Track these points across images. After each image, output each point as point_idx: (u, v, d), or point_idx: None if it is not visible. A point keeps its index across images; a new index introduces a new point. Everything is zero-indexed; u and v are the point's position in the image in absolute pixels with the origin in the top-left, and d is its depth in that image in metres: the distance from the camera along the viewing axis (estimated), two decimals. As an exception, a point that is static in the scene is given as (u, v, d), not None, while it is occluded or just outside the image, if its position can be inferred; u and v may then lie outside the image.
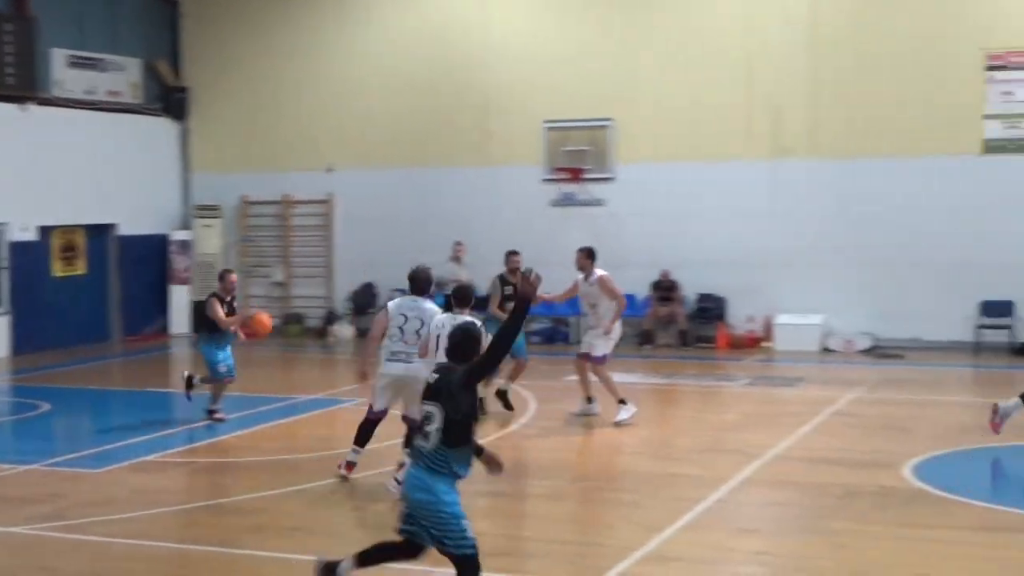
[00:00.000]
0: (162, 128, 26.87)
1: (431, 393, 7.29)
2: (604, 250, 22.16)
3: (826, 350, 22.31)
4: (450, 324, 11.66)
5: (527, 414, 15.64)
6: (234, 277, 15.85)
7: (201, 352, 15.65)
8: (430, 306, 11.87)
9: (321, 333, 25.70)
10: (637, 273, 23.17)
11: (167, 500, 11.32)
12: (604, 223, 23.77)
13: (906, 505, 10.76)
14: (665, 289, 23.48)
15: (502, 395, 15.54)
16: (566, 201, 24.58)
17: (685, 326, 23.31)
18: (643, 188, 23.86)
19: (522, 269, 15.27)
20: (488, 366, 7.43)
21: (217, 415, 15.24)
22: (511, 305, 14.93)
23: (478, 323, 8.97)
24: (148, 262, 26.17)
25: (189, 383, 15.50)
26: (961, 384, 19.46)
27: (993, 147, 22.09)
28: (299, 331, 26.07)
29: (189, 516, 10.82)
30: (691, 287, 23.51)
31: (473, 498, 11.22)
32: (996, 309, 21.95)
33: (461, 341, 7.50)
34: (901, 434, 14.25)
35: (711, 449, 13.54)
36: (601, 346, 15.07)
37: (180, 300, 26.49)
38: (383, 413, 12.01)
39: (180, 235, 26.74)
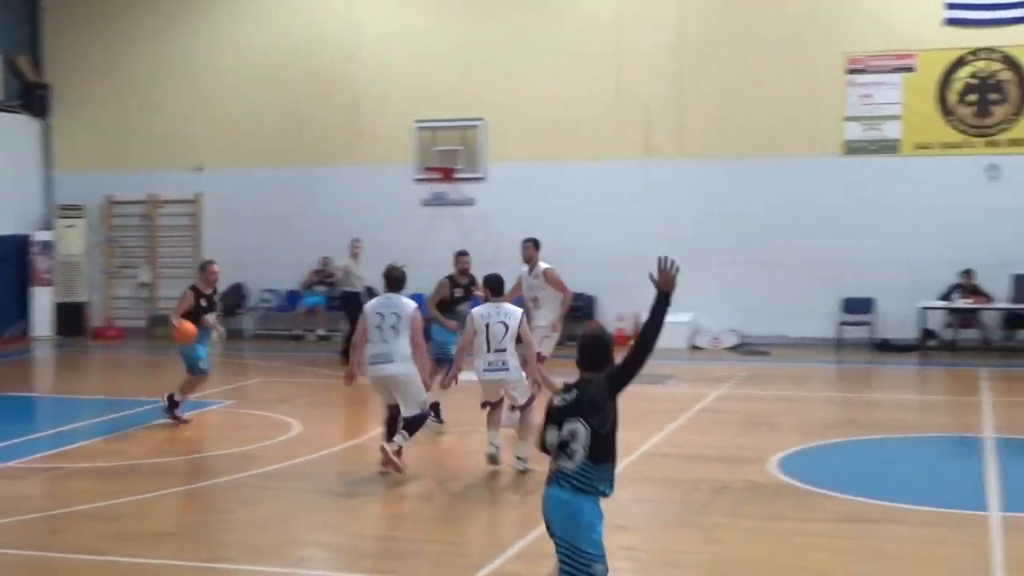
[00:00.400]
0: (23, 125, 26.22)
1: (570, 408, 6.63)
2: (475, 250, 22.16)
3: (694, 348, 22.66)
4: (495, 315, 12.06)
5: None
6: (216, 267, 15.24)
7: (184, 351, 15.15)
8: (405, 300, 12.02)
9: (189, 335, 25.28)
10: (508, 272, 23.12)
11: (30, 507, 11.02)
12: (475, 222, 23.84)
13: (773, 499, 10.96)
14: (536, 288, 23.55)
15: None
16: (437, 201, 24.58)
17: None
18: (514, 187, 23.98)
19: (470, 269, 14.96)
20: (634, 371, 6.82)
21: (181, 417, 14.85)
22: (459, 307, 14.66)
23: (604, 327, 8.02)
24: (8, 263, 25.52)
25: (171, 403, 14.96)
26: (825, 380, 19.90)
27: (854, 148, 22.65)
28: (166, 333, 25.59)
29: (54, 523, 10.54)
30: (562, 286, 23.65)
31: (340, 499, 11.21)
32: (857, 306, 22.52)
33: (593, 348, 6.97)
34: (768, 429, 14.52)
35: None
36: (547, 345, 14.83)
37: (42, 302, 25.89)
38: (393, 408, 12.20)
39: (42, 236, 26.13)
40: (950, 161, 22.29)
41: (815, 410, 16.29)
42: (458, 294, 14.88)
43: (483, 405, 12.35)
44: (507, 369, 12.02)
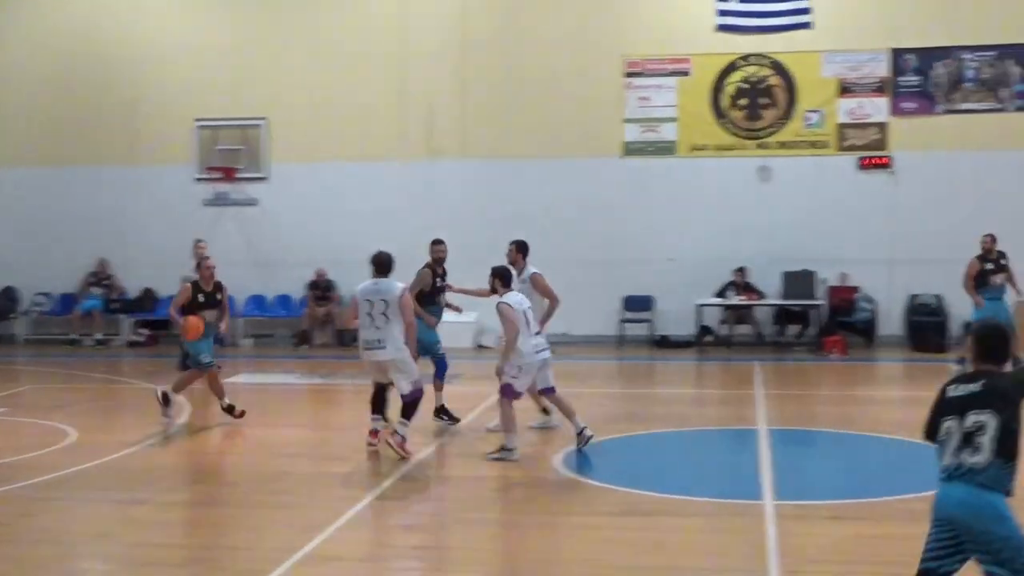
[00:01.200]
0: None
1: (975, 399, 6.31)
2: (259, 250, 22.01)
3: (480, 347, 22.84)
4: (522, 302, 12.57)
5: (181, 418, 15.28)
6: (211, 262, 14.75)
7: (185, 345, 14.71)
8: (392, 285, 12.23)
9: (-43, 341, 24.32)
10: (293, 273, 23.15)
11: None
12: (259, 223, 23.59)
13: (557, 494, 11.15)
14: (321, 289, 23.47)
15: (440, 410, 14.63)
16: (220, 201, 24.21)
17: (341, 325, 23.35)
18: (297, 187, 23.82)
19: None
20: None
21: (237, 411, 14.75)
22: (438, 298, 14.61)
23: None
24: None
25: (165, 400, 14.52)
26: (607, 376, 20.34)
27: (632, 150, 23.22)
28: (-68, 338, 24.57)
29: None
30: (347, 287, 23.53)
31: (120, 507, 10.93)
32: (637, 304, 23.10)
33: (995, 339, 6.52)
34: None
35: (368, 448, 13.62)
36: None
37: None
38: (382, 385, 12.83)
39: None
40: (724, 163, 23.07)
41: (597, 406, 16.59)
42: (439, 283, 14.85)
43: (541, 392, 13.02)
44: (548, 347, 12.80)
